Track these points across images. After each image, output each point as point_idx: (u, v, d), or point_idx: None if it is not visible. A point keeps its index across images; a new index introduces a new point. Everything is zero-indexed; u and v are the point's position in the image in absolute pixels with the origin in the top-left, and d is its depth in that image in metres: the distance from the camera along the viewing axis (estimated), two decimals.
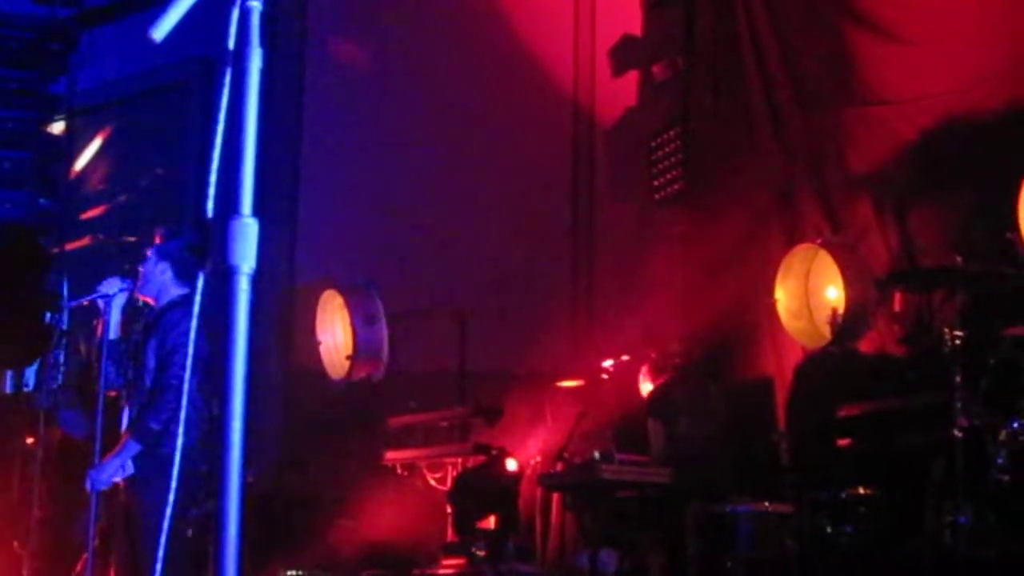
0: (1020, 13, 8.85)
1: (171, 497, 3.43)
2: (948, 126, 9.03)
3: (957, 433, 7.18)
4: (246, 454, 2.81)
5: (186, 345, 7.10)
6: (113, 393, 7.59)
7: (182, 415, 6.92)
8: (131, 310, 7.71)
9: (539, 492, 10.21)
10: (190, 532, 7.51)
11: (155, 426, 7.17)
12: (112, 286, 7.56)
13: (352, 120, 13.07)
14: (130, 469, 7.28)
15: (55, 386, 13.15)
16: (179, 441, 6.75)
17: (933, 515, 7.43)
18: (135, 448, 7.23)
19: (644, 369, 10.17)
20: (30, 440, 11.97)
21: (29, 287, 13.03)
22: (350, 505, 10.94)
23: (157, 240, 7.69)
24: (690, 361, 10.15)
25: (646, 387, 10.10)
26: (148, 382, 7.37)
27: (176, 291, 7.54)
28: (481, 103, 12.76)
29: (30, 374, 14.05)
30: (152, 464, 7.14)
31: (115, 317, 7.60)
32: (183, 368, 7.12)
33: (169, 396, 7.15)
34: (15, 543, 11.63)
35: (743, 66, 10.74)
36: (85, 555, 7.80)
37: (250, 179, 2.91)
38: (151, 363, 7.36)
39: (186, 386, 6.90)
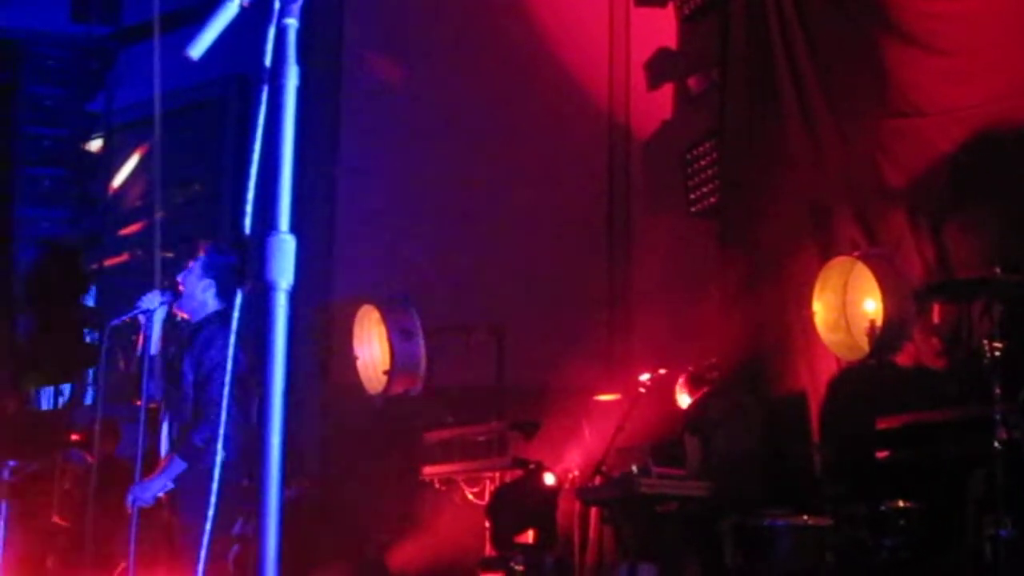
0: None
1: (210, 513, 3.45)
2: (984, 137, 8.98)
3: (997, 445, 7.14)
4: (286, 470, 2.82)
5: (226, 361, 7.10)
6: (154, 405, 7.59)
7: (221, 430, 6.94)
8: (169, 325, 7.71)
9: (577, 506, 10.19)
10: (236, 548, 7.51)
11: (199, 443, 7.18)
12: (152, 300, 7.54)
13: (388, 135, 13.10)
14: (170, 484, 7.30)
15: (88, 404, 13.25)
16: (219, 456, 6.74)
17: (973, 528, 7.39)
18: (181, 466, 7.23)
19: (681, 381, 10.15)
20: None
21: (68, 304, 13.13)
22: (388, 520, 10.95)
23: (202, 254, 7.66)
24: (727, 375, 10.14)
25: (683, 399, 10.09)
26: (187, 398, 7.37)
27: (213, 307, 7.53)
28: (517, 118, 12.78)
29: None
30: (192, 478, 7.15)
31: (156, 332, 7.59)
32: (224, 384, 7.12)
33: (212, 413, 7.14)
34: (48, 560, 11.73)
35: (778, 78, 10.71)
36: (123, 565, 7.81)
37: (287, 195, 2.92)
38: (188, 378, 7.36)
39: (224, 401, 6.89)
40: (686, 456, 9.63)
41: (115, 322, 7.71)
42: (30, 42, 12.99)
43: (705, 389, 9.99)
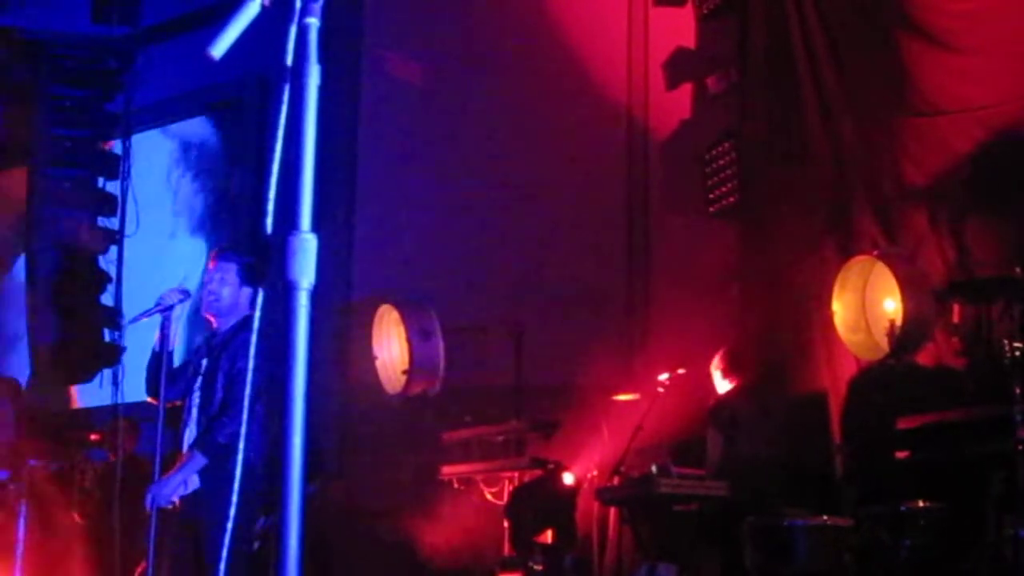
0: None
1: (232, 512, 3.45)
2: (1004, 136, 8.97)
3: (1017, 445, 7.14)
4: (307, 467, 2.82)
5: (258, 366, 7.07)
6: (179, 403, 7.54)
7: (242, 430, 6.92)
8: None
9: (596, 506, 10.19)
10: (256, 545, 7.48)
11: (222, 439, 7.14)
12: (171, 297, 7.47)
13: (407, 135, 13.10)
14: (195, 484, 7.26)
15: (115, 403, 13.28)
16: (239, 454, 6.71)
17: (993, 528, 7.38)
18: (201, 462, 7.19)
19: (718, 356, 10.10)
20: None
21: (87, 305, 13.16)
22: (406, 520, 10.95)
23: (233, 264, 7.56)
24: (755, 374, 10.11)
25: (717, 377, 10.05)
26: (216, 405, 7.32)
27: (247, 311, 7.44)
28: (535, 117, 12.77)
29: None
30: (217, 478, 7.11)
31: (179, 330, 7.54)
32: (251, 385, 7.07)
33: (236, 410, 7.10)
34: (68, 560, 11.76)
35: (797, 77, 10.70)
36: (143, 565, 7.78)
37: (309, 195, 2.93)
38: (220, 386, 7.31)
39: (246, 402, 6.86)
40: (707, 451, 9.63)
41: (133, 320, 7.67)
42: (50, 43, 13.04)
43: (736, 382, 9.95)
